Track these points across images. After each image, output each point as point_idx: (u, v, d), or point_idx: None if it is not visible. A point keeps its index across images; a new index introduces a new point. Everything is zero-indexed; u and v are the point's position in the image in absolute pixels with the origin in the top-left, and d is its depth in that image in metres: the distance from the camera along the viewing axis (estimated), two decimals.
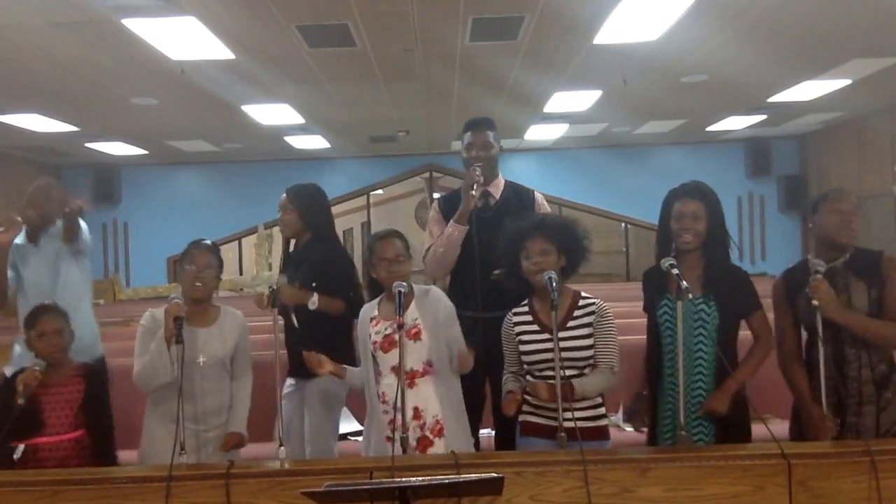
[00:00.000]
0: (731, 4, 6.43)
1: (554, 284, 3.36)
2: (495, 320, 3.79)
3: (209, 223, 13.61)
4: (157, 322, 3.72)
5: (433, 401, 3.62)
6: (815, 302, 3.34)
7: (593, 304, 3.59)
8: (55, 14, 6.02)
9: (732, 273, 3.68)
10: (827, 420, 3.36)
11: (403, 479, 2.65)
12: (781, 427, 3.77)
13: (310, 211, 4.57)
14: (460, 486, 2.67)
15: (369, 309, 3.81)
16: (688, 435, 3.42)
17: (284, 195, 4.60)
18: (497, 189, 4.43)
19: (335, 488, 2.55)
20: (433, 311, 3.68)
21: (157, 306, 3.87)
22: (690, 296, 3.34)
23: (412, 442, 3.51)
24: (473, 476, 2.72)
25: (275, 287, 3.78)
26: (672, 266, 3.43)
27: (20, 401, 3.62)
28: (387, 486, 2.60)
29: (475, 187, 4.14)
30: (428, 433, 3.59)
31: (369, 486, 2.67)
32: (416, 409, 3.58)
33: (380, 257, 3.68)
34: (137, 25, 6.29)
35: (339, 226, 18.18)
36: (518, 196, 4.47)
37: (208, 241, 3.93)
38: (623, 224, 15.68)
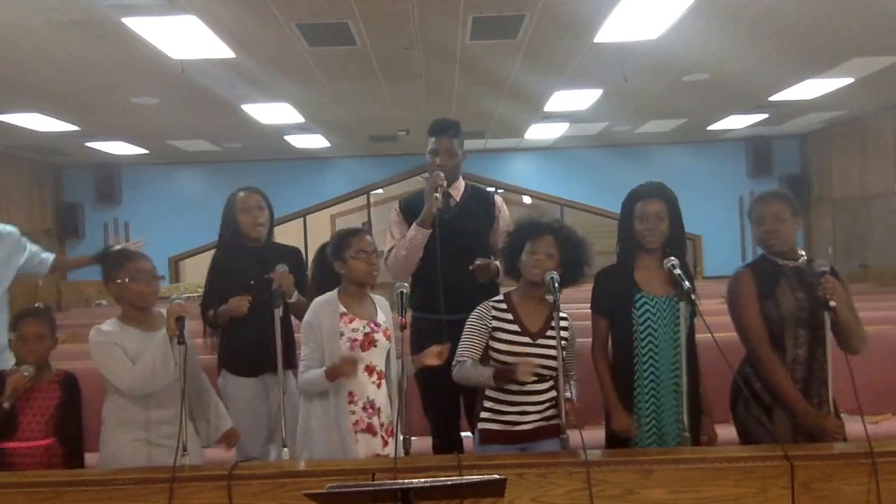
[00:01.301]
0: (732, 3, 6.42)
1: (556, 285, 3.38)
2: (457, 322, 3.78)
3: (209, 222, 13.34)
4: (109, 335, 3.60)
5: (387, 403, 3.70)
6: (832, 303, 3.33)
7: (565, 317, 3.59)
8: (55, 13, 6.01)
9: (691, 275, 3.67)
10: (836, 422, 3.35)
11: (406, 481, 2.63)
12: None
13: (272, 211, 4.56)
14: (462, 487, 2.66)
15: (333, 303, 3.67)
16: (689, 436, 3.42)
17: (258, 195, 4.47)
18: (458, 191, 4.43)
19: (338, 490, 2.54)
20: (387, 316, 3.78)
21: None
22: (693, 297, 3.35)
23: (378, 440, 3.60)
24: (475, 477, 2.72)
25: (274, 288, 3.76)
26: (674, 267, 3.44)
27: (5, 404, 3.61)
28: (389, 487, 2.59)
29: (438, 191, 4.12)
30: (384, 433, 3.64)
31: (372, 488, 2.67)
32: (378, 409, 3.63)
33: (360, 250, 3.64)
34: (138, 24, 6.28)
35: (340, 225, 18.16)
36: (478, 198, 4.48)
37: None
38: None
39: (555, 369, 3.50)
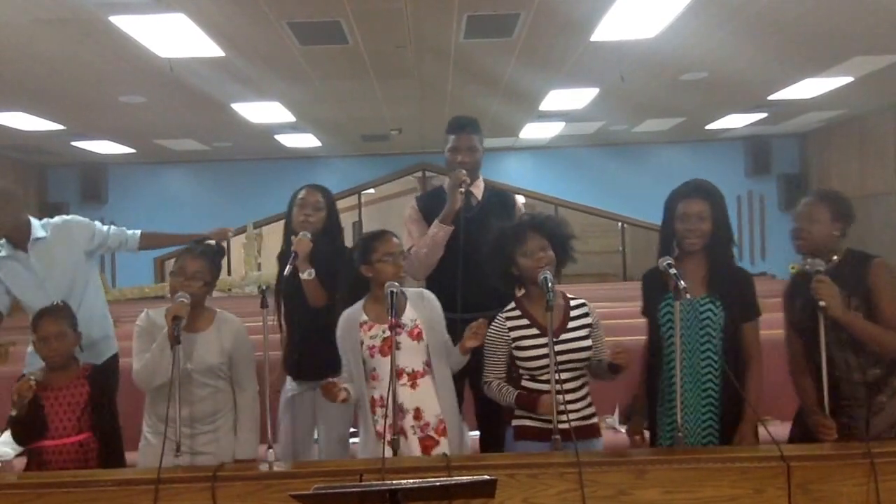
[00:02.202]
0: (730, 1, 6.39)
1: (550, 284, 3.34)
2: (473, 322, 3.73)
3: (197, 223, 13.23)
4: (152, 322, 3.67)
5: (434, 400, 3.61)
6: (821, 303, 3.27)
7: (584, 303, 3.61)
8: (41, 11, 5.95)
9: (737, 274, 3.64)
10: (826, 422, 3.30)
11: (394, 482, 2.59)
12: (781, 429, 3.72)
13: (335, 212, 4.52)
14: (452, 488, 2.62)
15: (354, 314, 3.69)
16: (685, 436, 3.38)
17: (318, 192, 4.45)
18: (479, 190, 4.42)
19: (324, 491, 2.50)
20: (429, 311, 3.68)
21: (145, 307, 3.83)
22: (688, 295, 3.29)
23: (414, 443, 3.52)
24: (465, 478, 2.68)
25: (264, 288, 3.71)
26: (669, 266, 3.39)
27: (13, 412, 3.57)
28: (377, 488, 2.57)
29: (462, 187, 4.12)
30: (432, 433, 3.57)
31: (359, 489, 2.66)
32: (417, 410, 3.56)
33: (386, 252, 3.61)
34: (125, 22, 6.21)
35: None
36: (499, 197, 4.49)
37: (200, 248, 3.85)
38: (620, 224, 15.63)
39: (583, 361, 3.49)
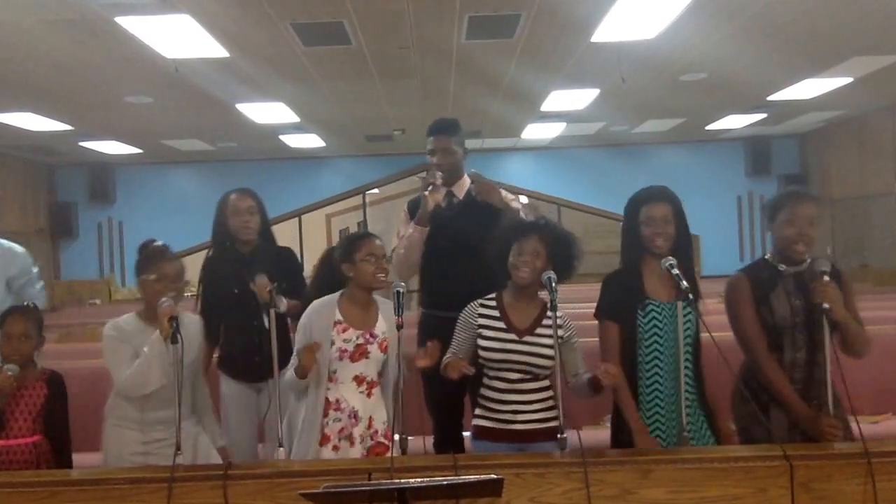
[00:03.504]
0: (730, 1, 6.42)
1: (553, 285, 3.35)
2: None
3: (203, 222, 13.31)
4: (121, 329, 3.66)
5: (383, 408, 3.70)
6: (825, 305, 3.29)
7: (559, 316, 3.49)
8: (49, 12, 5.99)
9: (692, 276, 3.61)
10: (832, 422, 3.33)
11: (402, 481, 2.62)
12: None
13: (265, 213, 4.56)
14: (459, 487, 2.64)
15: (329, 309, 3.67)
16: (688, 436, 3.41)
17: (249, 197, 4.47)
18: (461, 189, 4.44)
19: (334, 489, 2.53)
20: (390, 323, 3.67)
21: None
22: (691, 297, 3.33)
23: (363, 451, 3.60)
24: (472, 477, 2.69)
25: (272, 287, 3.73)
26: (672, 266, 3.40)
27: None
28: (386, 487, 2.59)
29: (430, 189, 4.19)
30: (382, 439, 3.66)
31: (368, 488, 2.66)
32: (370, 419, 3.64)
33: (369, 253, 3.62)
34: (131, 23, 6.26)
35: (335, 225, 18.13)
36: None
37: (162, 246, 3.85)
38: (621, 224, 15.55)
39: (545, 368, 3.50)
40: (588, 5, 6.40)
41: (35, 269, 4.89)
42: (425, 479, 2.61)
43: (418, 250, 4.24)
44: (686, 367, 3.52)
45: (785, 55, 8.21)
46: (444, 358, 3.58)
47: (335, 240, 16.32)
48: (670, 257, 3.46)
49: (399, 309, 3.41)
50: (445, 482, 2.60)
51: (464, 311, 3.65)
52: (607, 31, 7.03)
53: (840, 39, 7.66)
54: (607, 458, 3.11)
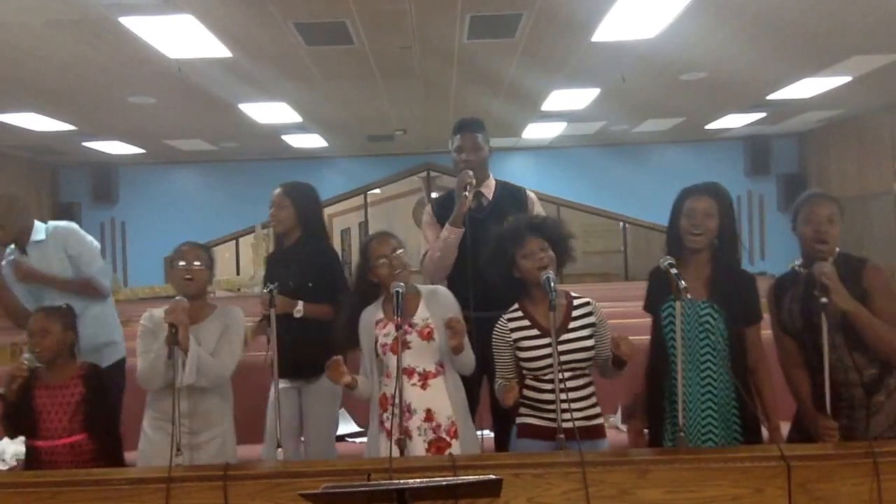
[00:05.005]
0: (729, 1, 6.42)
1: (552, 284, 3.33)
2: (489, 320, 3.73)
3: (206, 222, 13.64)
4: (156, 322, 3.67)
5: (446, 402, 3.61)
6: (823, 300, 3.22)
7: (588, 302, 3.57)
8: (52, 13, 6.00)
9: (740, 277, 3.59)
10: (828, 423, 3.31)
11: (401, 481, 2.63)
12: (782, 429, 3.73)
13: (306, 207, 4.52)
14: (458, 487, 2.66)
15: (372, 312, 3.73)
16: (686, 436, 3.38)
17: (279, 189, 4.51)
18: (489, 189, 4.43)
19: (333, 490, 2.54)
20: (442, 310, 3.65)
21: (155, 306, 3.82)
22: (689, 296, 3.28)
23: (423, 444, 3.53)
24: (471, 478, 2.70)
25: (272, 287, 3.73)
26: (671, 265, 3.35)
27: (1, 391, 3.62)
28: (385, 487, 2.59)
29: (468, 189, 4.14)
30: (444, 434, 3.57)
31: (367, 488, 2.67)
32: (428, 411, 3.57)
33: (377, 255, 3.63)
34: (134, 24, 6.27)
35: (337, 225, 18.12)
36: (511, 195, 4.47)
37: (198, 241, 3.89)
38: (621, 223, 15.63)
39: (586, 361, 3.47)
40: (589, 5, 6.42)
41: (95, 246, 4.78)
42: (424, 480, 2.62)
43: (454, 252, 4.20)
44: (708, 368, 3.48)
45: (784, 54, 8.21)
46: (497, 384, 3.59)
47: (337, 240, 16.34)
48: (668, 257, 3.41)
49: (397, 310, 3.38)
50: (444, 482, 2.62)
51: (494, 333, 3.59)
52: (608, 30, 7.04)
53: (839, 38, 7.66)
54: (605, 459, 3.12)
